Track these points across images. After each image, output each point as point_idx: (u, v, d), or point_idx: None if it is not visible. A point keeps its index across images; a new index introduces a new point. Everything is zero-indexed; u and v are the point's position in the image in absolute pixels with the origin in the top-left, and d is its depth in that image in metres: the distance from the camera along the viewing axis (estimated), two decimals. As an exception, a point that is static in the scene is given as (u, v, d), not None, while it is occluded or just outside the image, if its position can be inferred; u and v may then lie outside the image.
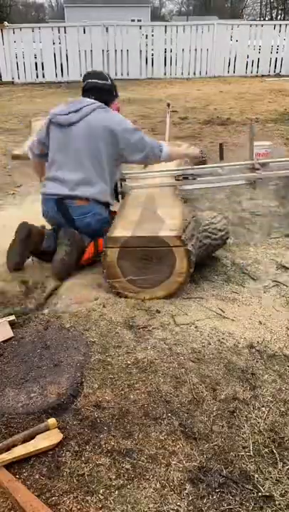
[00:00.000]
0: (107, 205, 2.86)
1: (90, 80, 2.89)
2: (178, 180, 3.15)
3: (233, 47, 13.20)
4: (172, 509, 1.35)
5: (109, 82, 2.93)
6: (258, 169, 3.27)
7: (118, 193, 3.11)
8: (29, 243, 2.66)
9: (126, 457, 1.51)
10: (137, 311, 2.31)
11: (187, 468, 1.47)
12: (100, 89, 2.87)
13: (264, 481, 1.43)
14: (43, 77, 12.87)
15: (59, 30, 12.75)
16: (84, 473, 1.45)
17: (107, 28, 12.85)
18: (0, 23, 12.79)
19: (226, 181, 3.29)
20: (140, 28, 13.34)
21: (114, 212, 2.87)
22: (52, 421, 1.59)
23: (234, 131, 6.56)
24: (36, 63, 12.85)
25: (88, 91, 2.88)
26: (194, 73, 13.29)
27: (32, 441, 1.53)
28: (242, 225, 3.41)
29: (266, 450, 1.53)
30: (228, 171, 3.31)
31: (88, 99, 2.83)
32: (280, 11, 43.78)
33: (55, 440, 1.54)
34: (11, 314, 2.25)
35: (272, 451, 1.53)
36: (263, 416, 1.67)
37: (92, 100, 2.82)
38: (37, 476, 1.45)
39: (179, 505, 1.36)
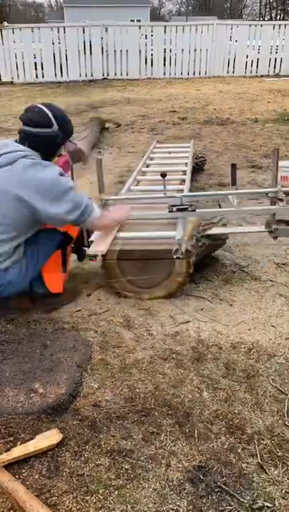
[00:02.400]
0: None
1: (25, 127, 2.07)
2: (171, 211, 2.46)
3: (233, 47, 13.21)
4: (172, 509, 1.35)
5: (51, 129, 2.06)
6: (281, 200, 2.47)
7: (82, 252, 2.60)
8: None
9: (125, 457, 1.51)
10: (137, 311, 2.31)
11: (187, 469, 1.47)
12: (37, 139, 2.07)
13: (264, 482, 1.43)
14: (43, 77, 12.87)
15: (58, 30, 12.75)
16: (83, 473, 1.45)
17: (106, 28, 12.85)
18: (-1, 23, 12.80)
19: (237, 214, 2.76)
20: (140, 28, 13.34)
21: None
22: None
23: (233, 131, 6.56)
24: (36, 63, 12.85)
25: (24, 139, 2.09)
26: (194, 73, 13.29)
27: (32, 441, 1.53)
28: (242, 225, 3.41)
29: (266, 451, 1.53)
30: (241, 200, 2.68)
31: (16, 145, 2.09)
32: (279, 11, 43.83)
33: (54, 440, 1.54)
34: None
35: (272, 452, 1.53)
36: (262, 416, 1.67)
37: (21, 148, 2.07)
38: (36, 476, 1.45)
39: (179, 505, 1.36)
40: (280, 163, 2.59)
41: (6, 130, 6.84)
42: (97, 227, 2.34)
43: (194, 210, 2.47)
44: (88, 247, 2.36)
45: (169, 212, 2.47)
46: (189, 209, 2.46)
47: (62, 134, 2.11)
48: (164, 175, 2.60)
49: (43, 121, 2.06)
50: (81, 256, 2.65)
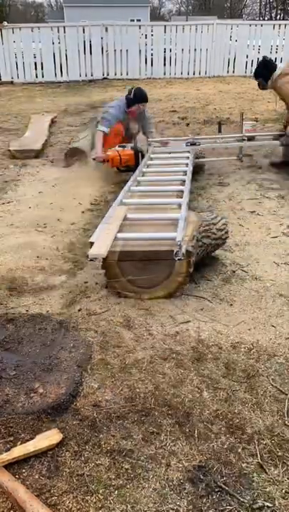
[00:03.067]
0: None
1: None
2: (187, 145, 4.42)
3: (233, 47, 13.18)
4: (172, 509, 1.35)
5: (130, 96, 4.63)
6: (244, 140, 4.62)
7: (139, 154, 4.08)
8: None
9: (125, 457, 1.51)
10: (137, 311, 2.31)
11: (187, 468, 1.47)
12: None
13: (264, 482, 1.43)
14: (43, 76, 12.84)
15: (58, 30, 12.72)
16: (83, 473, 1.45)
17: (106, 28, 12.83)
18: (-1, 22, 12.78)
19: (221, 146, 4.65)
20: (139, 28, 13.31)
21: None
22: None
23: (234, 131, 6.54)
24: (36, 63, 12.82)
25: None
26: (194, 73, 13.26)
27: (32, 441, 1.53)
28: (242, 225, 3.41)
29: (266, 450, 1.53)
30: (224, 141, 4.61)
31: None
32: (279, 11, 43.80)
33: (54, 440, 1.54)
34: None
35: (272, 452, 1.53)
36: (262, 416, 1.67)
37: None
38: (36, 476, 1.45)
39: (179, 505, 1.36)
40: (245, 122, 4.86)
41: (6, 130, 6.83)
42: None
43: (199, 144, 4.51)
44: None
45: (186, 145, 4.47)
46: (197, 144, 4.49)
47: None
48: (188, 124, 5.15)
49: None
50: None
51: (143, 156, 4.15)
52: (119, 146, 4.22)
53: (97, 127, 4.54)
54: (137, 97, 4.51)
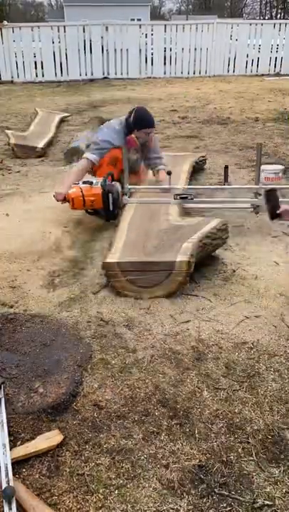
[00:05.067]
0: None
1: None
2: (175, 199, 3.13)
3: (233, 46, 13.18)
4: (172, 509, 1.35)
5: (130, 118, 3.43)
6: (260, 194, 3.01)
7: (109, 195, 3.01)
8: None
9: (126, 457, 1.51)
10: (137, 311, 2.31)
11: (187, 468, 1.47)
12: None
13: (264, 482, 1.43)
14: (43, 76, 12.84)
15: (58, 30, 12.71)
16: (84, 473, 1.45)
17: (106, 27, 12.82)
18: (-1, 22, 12.78)
19: (228, 203, 3.27)
20: (140, 27, 13.31)
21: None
22: None
23: (234, 130, 6.55)
24: (36, 62, 12.82)
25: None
26: (194, 72, 13.26)
27: (32, 441, 1.53)
28: (242, 225, 3.41)
29: (266, 450, 1.53)
30: (232, 193, 3.35)
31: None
32: (279, 10, 43.77)
33: (55, 441, 1.54)
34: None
35: (272, 452, 1.53)
36: (263, 416, 1.67)
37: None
38: (36, 476, 1.45)
39: (179, 505, 1.36)
40: (263, 167, 3.51)
41: (6, 129, 6.83)
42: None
43: (192, 199, 3.16)
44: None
45: (174, 199, 3.15)
46: (188, 198, 3.15)
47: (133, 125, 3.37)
48: (169, 173, 3.28)
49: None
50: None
51: (115, 199, 3.06)
52: (83, 183, 3.11)
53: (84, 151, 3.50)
54: (137, 122, 3.35)
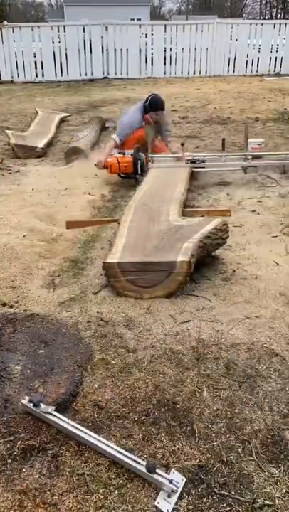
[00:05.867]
0: None
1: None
2: (187, 163, 4.24)
3: (233, 46, 13.17)
4: (172, 509, 1.35)
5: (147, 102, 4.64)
6: (248, 159, 4.38)
7: (138, 161, 4.12)
8: None
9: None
10: (137, 311, 2.31)
11: (187, 468, 1.47)
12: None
13: (264, 482, 1.43)
14: (43, 76, 12.84)
15: (58, 29, 12.71)
16: (84, 473, 1.45)
17: (106, 27, 12.82)
18: (-1, 22, 12.77)
19: (225, 167, 4.41)
20: (140, 27, 13.30)
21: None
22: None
23: (234, 130, 6.55)
24: (36, 62, 12.81)
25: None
26: (194, 72, 13.25)
27: None
28: (242, 225, 3.41)
29: (266, 450, 1.53)
30: (228, 159, 4.44)
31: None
32: (279, 10, 43.76)
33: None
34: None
35: (272, 452, 1.53)
36: (263, 416, 1.67)
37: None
38: (37, 476, 1.45)
39: (179, 505, 1.36)
40: (249, 140, 4.55)
41: (6, 129, 6.82)
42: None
43: (200, 163, 4.31)
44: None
45: (186, 163, 4.22)
46: (197, 162, 4.31)
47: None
48: (182, 144, 4.38)
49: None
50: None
51: (142, 164, 4.16)
52: (118, 153, 4.28)
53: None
54: (152, 106, 4.58)
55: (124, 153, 4.25)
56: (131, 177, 4.27)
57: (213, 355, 1.98)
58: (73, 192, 4.11)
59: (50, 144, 5.86)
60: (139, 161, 4.16)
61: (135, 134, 4.55)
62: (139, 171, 4.17)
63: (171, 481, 1.37)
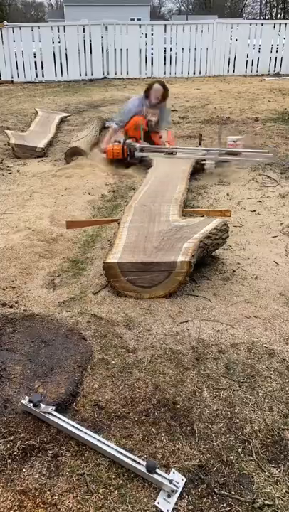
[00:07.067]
0: None
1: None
2: (165, 154, 4.72)
3: (233, 46, 13.18)
4: (172, 508, 1.35)
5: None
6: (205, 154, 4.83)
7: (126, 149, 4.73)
8: None
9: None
10: (137, 311, 2.31)
11: (187, 468, 1.47)
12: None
13: (264, 482, 1.43)
14: (43, 76, 12.84)
15: (58, 30, 12.71)
16: (84, 473, 1.45)
17: (106, 27, 12.82)
18: (-1, 22, 12.77)
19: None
20: (140, 27, 13.30)
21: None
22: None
23: (234, 130, 6.55)
24: (36, 62, 12.82)
25: None
26: (194, 72, 13.26)
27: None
28: (242, 224, 3.41)
29: (266, 450, 1.53)
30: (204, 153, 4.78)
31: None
32: (279, 10, 43.74)
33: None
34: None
35: (272, 452, 1.53)
36: (263, 416, 1.66)
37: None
38: (37, 476, 1.45)
39: (179, 505, 1.36)
40: (227, 137, 5.17)
41: (6, 129, 6.82)
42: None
43: (176, 154, 4.69)
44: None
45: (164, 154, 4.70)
46: (173, 153, 4.69)
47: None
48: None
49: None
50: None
51: (132, 151, 4.77)
52: (114, 142, 4.95)
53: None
54: (149, 87, 5.13)
55: (119, 142, 4.89)
56: (124, 162, 4.89)
57: (213, 355, 1.98)
58: (73, 192, 4.11)
59: (50, 144, 5.86)
60: (129, 149, 4.82)
61: (132, 121, 5.06)
62: (128, 158, 4.84)
63: (171, 481, 1.37)
